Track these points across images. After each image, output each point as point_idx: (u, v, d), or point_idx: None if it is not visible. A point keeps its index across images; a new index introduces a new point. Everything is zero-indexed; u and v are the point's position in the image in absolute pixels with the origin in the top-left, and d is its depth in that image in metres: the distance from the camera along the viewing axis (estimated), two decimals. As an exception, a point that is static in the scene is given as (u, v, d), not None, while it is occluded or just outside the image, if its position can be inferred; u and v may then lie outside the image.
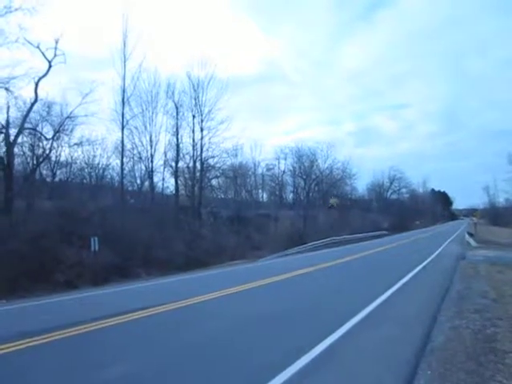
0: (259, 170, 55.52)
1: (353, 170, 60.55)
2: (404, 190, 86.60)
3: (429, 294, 9.86)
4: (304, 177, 52.81)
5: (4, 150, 19.19)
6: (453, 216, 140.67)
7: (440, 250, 24.50)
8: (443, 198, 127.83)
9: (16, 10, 18.28)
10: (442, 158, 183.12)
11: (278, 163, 57.66)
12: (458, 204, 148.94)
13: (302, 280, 13.01)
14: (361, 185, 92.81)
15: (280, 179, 58.24)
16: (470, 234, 36.86)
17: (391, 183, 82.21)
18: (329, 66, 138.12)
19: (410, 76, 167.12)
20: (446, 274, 13.56)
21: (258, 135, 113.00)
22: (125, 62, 26.71)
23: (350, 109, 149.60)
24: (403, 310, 7.97)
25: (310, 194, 52.68)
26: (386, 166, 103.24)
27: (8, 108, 19.66)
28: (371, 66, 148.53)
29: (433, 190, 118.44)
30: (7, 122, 19.72)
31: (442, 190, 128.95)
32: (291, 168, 56.21)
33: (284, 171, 58.10)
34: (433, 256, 20.41)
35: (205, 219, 32.87)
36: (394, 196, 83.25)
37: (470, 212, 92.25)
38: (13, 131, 19.83)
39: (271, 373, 4.39)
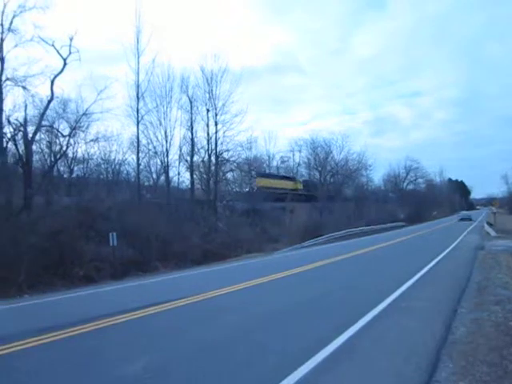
0: (274, 163, 55.30)
1: (368, 161, 59.59)
2: (420, 180, 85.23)
3: (448, 286, 9.75)
4: (319, 169, 52.39)
5: (23, 147, 19.46)
6: (470, 206, 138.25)
7: (458, 241, 24.18)
8: (461, 188, 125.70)
9: (30, 8, 18.41)
10: (459, 147, 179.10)
11: (293, 155, 57.30)
12: (476, 193, 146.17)
13: (321, 272, 13.02)
14: (377, 176, 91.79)
15: (295, 171, 57.94)
16: (489, 224, 36.31)
17: (407, 173, 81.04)
18: (341, 54, 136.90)
19: (424, 63, 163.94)
20: (466, 265, 13.38)
21: (272, 127, 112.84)
22: (138, 57, 26.71)
23: (364, 98, 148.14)
24: (421, 304, 7.90)
25: (326, 186, 52.27)
26: (401, 156, 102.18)
27: (25, 106, 19.89)
28: (384, 53, 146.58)
29: (450, 179, 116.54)
30: (25, 120, 19.96)
31: (459, 180, 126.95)
32: (306, 160, 55.87)
33: (299, 163, 57.70)
34: (452, 246, 20.18)
35: (220, 212, 32.95)
36: (411, 186, 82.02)
37: (488, 201, 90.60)
38: (30, 129, 20.11)
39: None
